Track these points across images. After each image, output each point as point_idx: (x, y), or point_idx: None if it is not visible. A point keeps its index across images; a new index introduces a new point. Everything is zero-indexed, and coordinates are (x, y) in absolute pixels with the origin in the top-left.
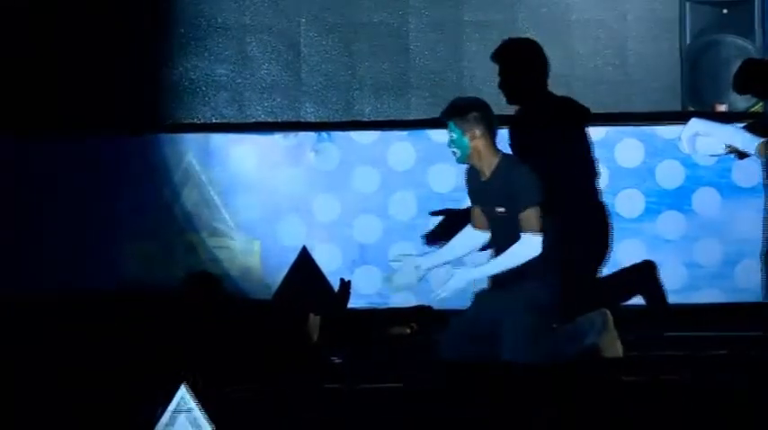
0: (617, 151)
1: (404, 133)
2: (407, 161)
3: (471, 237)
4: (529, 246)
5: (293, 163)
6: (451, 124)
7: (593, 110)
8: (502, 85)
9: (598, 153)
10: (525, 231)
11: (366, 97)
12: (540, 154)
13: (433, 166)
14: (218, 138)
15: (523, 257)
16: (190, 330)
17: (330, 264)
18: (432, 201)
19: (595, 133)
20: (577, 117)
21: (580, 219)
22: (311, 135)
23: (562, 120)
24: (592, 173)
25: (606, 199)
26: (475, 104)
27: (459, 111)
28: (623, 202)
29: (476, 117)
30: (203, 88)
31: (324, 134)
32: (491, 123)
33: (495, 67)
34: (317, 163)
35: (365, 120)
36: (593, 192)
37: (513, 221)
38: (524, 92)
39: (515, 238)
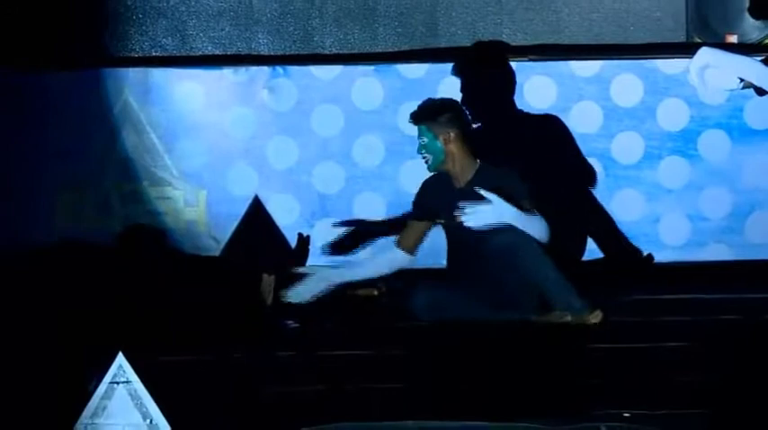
0: (613, 88)
1: (370, 68)
2: (374, 100)
3: (395, 260)
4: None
5: (244, 102)
6: (422, 128)
7: (586, 41)
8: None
9: (592, 90)
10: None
11: (327, 26)
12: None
13: (403, 106)
14: (158, 74)
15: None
16: (127, 291)
17: (286, 216)
18: (402, 144)
19: (589, 68)
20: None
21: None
22: (264, 70)
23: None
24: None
25: (600, 143)
26: (447, 105)
27: (430, 114)
28: (620, 146)
29: (449, 118)
30: (140, 16)
31: (279, 69)
32: (466, 124)
33: None
34: (271, 102)
35: (326, 53)
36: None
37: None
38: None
39: (487, 248)
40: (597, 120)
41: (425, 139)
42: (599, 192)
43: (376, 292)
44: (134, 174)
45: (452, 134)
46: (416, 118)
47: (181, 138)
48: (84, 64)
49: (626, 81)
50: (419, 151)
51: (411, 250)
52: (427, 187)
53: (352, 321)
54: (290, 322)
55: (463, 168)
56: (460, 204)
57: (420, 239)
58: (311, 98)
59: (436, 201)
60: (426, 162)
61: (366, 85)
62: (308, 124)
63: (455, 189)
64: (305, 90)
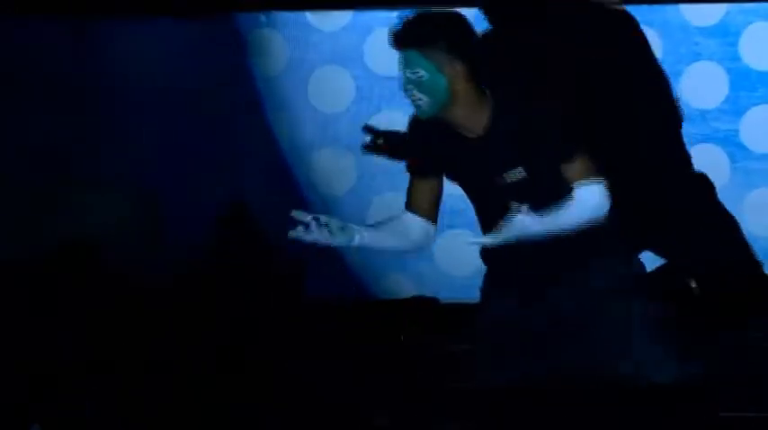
0: (743, 44)
1: (391, 15)
2: (396, 60)
3: (410, 229)
4: (597, 195)
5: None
6: (412, 55)
7: None
8: None
9: (712, 46)
10: (581, 182)
11: None
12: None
13: None
14: None
15: (595, 209)
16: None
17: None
18: None
19: (709, 14)
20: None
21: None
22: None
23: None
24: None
25: (725, 122)
26: (451, 21)
27: (428, 36)
28: (752, 127)
29: (455, 41)
30: None
31: (261, 16)
32: (475, 47)
33: None
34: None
35: None
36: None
37: (537, 186)
38: None
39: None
40: (720, 89)
41: (422, 74)
42: (724, 192)
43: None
44: None
45: (459, 67)
46: (404, 40)
47: None
48: None
49: (761, 32)
50: (406, 89)
51: (428, 214)
52: (424, 133)
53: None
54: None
55: (475, 112)
56: (488, 165)
57: (435, 201)
58: (308, 58)
59: (443, 155)
60: (418, 105)
61: (385, 39)
62: (303, 94)
63: (466, 141)
64: (299, 46)
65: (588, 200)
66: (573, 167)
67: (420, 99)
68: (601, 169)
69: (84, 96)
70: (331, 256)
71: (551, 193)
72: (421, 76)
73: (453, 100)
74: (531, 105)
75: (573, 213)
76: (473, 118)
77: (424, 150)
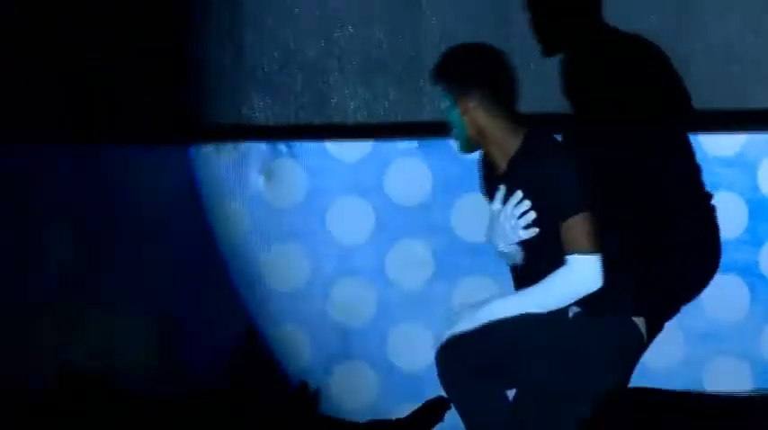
0: (762, 174)
1: (412, 144)
2: (418, 190)
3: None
4: (578, 274)
5: (234, 191)
6: (440, 89)
7: (721, 104)
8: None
9: (732, 176)
10: (571, 251)
11: (350, 84)
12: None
13: (460, 198)
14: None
15: (575, 289)
16: None
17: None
18: (459, 253)
19: (728, 144)
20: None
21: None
22: (260, 147)
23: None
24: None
25: (744, 253)
26: (470, 54)
27: (447, 69)
28: None
29: (471, 76)
30: None
31: (281, 145)
32: (504, 85)
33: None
34: (270, 192)
35: (348, 123)
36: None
37: (547, 236)
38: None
39: (551, 262)
40: (740, 219)
41: (444, 107)
42: (745, 323)
43: None
44: None
45: (473, 102)
46: (432, 74)
47: None
48: None
49: None
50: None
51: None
52: (479, 168)
53: None
54: None
55: (501, 149)
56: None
57: None
58: (327, 187)
59: (484, 190)
60: (454, 138)
61: (406, 168)
62: (322, 226)
63: (494, 176)
64: (318, 175)
65: (569, 279)
66: (569, 229)
67: (452, 132)
68: (600, 240)
69: (97, 221)
70: (344, 382)
71: (553, 249)
72: (445, 110)
73: (472, 133)
74: (540, 156)
75: (556, 287)
76: (497, 153)
77: (482, 185)
